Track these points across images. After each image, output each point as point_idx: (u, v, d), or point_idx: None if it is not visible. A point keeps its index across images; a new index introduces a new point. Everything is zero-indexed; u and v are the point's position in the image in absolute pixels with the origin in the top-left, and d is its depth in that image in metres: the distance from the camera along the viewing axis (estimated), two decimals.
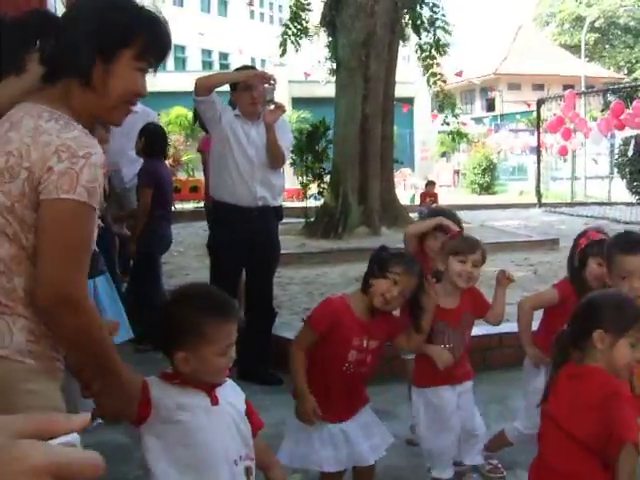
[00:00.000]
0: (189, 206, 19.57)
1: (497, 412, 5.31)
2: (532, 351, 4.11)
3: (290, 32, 16.55)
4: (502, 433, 4.50)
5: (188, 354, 2.39)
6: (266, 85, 5.56)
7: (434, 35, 16.81)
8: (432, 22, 16.58)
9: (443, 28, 16.92)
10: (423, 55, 17.10)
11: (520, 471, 4.37)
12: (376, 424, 3.70)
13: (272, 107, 5.60)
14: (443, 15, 16.82)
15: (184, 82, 30.16)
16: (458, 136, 18.67)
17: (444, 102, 18.17)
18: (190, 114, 27.84)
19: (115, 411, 2.33)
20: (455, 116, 18.20)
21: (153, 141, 6.89)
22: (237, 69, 6.02)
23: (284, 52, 16.92)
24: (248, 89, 5.57)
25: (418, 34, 16.61)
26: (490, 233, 14.09)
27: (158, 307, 6.63)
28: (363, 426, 3.59)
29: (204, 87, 5.50)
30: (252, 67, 6.23)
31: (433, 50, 16.93)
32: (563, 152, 22.17)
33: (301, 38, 16.62)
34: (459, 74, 27.01)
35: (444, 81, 17.89)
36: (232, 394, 2.62)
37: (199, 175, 22.64)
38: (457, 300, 3.93)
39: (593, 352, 2.73)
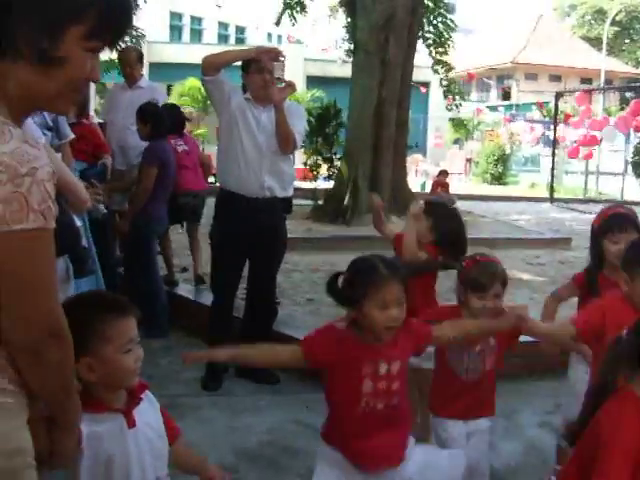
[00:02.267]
0: None
1: (503, 428, 5.02)
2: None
3: (291, 2, 16.52)
4: (558, 446, 4.18)
5: (90, 359, 2.25)
6: (275, 62, 5.25)
7: (436, 28, 16.88)
8: (435, 16, 16.61)
9: (445, 23, 16.89)
10: (427, 43, 17.08)
11: None
12: (436, 461, 3.12)
13: (281, 85, 5.29)
14: (446, 10, 16.85)
15: (199, 54, 29.96)
16: (457, 125, 18.73)
17: (450, 90, 18.03)
18: None
19: (71, 454, 2.09)
20: (457, 106, 18.08)
21: (158, 124, 6.68)
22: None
23: (278, 22, 16.80)
24: (260, 71, 5.24)
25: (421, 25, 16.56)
26: (503, 228, 13.89)
27: (154, 292, 6.41)
28: (421, 468, 3.02)
29: (212, 66, 5.20)
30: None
31: (437, 40, 16.98)
32: (574, 154, 21.72)
33: (298, 12, 16.55)
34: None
35: (449, 69, 17.78)
36: (149, 410, 2.46)
37: (208, 150, 22.40)
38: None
39: None
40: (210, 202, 6.36)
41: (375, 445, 2.87)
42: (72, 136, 4.60)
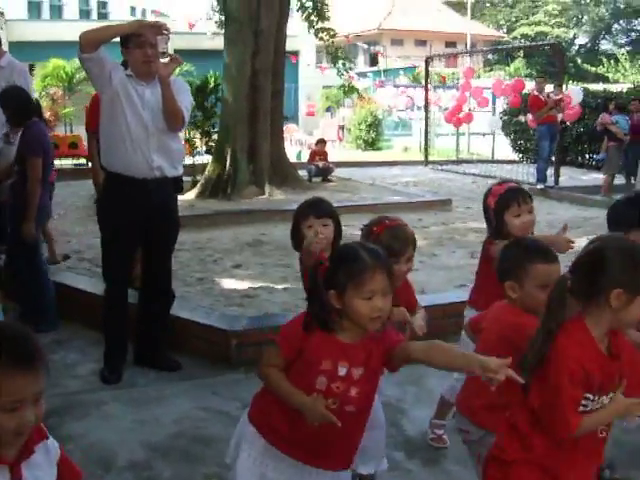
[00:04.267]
0: (68, 163, 18.51)
1: (413, 395, 5.02)
2: None
3: None
4: (441, 398, 4.38)
5: None
6: (159, 36, 5.00)
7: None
8: None
9: None
10: (305, 15, 17.01)
11: (449, 465, 4.12)
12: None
13: (166, 60, 5.04)
14: None
15: (61, 31, 28.94)
16: (350, 91, 18.63)
17: (337, 56, 17.95)
18: (69, 66, 26.66)
19: None
20: (347, 70, 18.05)
21: (22, 107, 6.30)
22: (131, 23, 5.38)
23: None
24: (141, 45, 4.95)
25: None
26: (382, 193, 13.96)
27: (41, 285, 6.07)
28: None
29: (90, 43, 4.86)
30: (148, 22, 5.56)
31: (313, 15, 16.94)
32: (456, 122, 21.83)
33: None
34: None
35: (333, 35, 17.72)
36: (43, 463, 2.10)
37: (77, 131, 21.63)
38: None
39: (597, 309, 2.54)
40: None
41: (318, 444, 2.72)
42: None
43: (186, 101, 5.25)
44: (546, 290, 2.75)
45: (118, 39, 5.10)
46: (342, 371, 2.65)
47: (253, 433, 2.82)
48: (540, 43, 31.68)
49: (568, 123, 17.59)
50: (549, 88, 16.27)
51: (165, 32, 4.97)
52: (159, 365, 5.46)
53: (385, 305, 2.62)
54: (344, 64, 17.95)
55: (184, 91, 5.30)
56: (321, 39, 17.57)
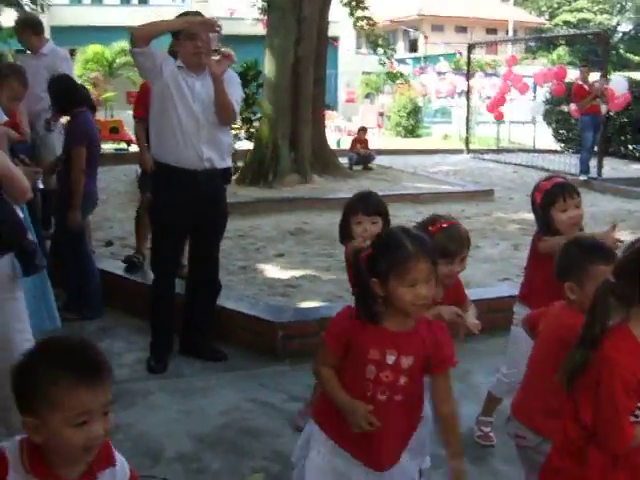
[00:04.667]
0: (109, 147, 18.62)
1: (458, 391, 4.92)
2: None
3: None
4: (488, 393, 4.47)
5: (37, 421, 1.90)
6: (211, 33, 5.01)
7: None
8: None
9: None
10: (345, 1, 16.98)
11: (497, 464, 4.09)
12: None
13: (218, 57, 5.06)
14: None
15: (102, 17, 29.08)
16: (395, 76, 18.59)
17: (379, 44, 17.92)
18: (108, 51, 26.83)
19: None
20: (388, 57, 18.00)
21: (68, 95, 6.38)
22: (180, 15, 5.39)
23: None
24: (192, 37, 4.98)
25: None
26: (424, 182, 13.86)
27: (87, 272, 6.11)
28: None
29: (142, 38, 4.91)
30: (197, 13, 5.55)
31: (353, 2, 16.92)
32: (497, 115, 21.52)
33: None
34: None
35: (372, 24, 17.65)
36: None
37: (118, 115, 21.78)
38: (441, 293, 3.42)
39: None
40: None
41: (376, 440, 2.72)
42: (5, 119, 4.29)
43: (236, 94, 5.26)
44: None
45: None
46: (390, 359, 2.65)
47: (318, 430, 2.83)
48: (585, 32, 31.32)
49: (612, 113, 17.31)
50: (593, 77, 16.02)
51: (218, 29, 4.97)
52: (205, 355, 5.48)
53: (429, 292, 2.61)
54: (385, 52, 17.87)
55: (235, 84, 5.30)
56: (361, 27, 17.53)
